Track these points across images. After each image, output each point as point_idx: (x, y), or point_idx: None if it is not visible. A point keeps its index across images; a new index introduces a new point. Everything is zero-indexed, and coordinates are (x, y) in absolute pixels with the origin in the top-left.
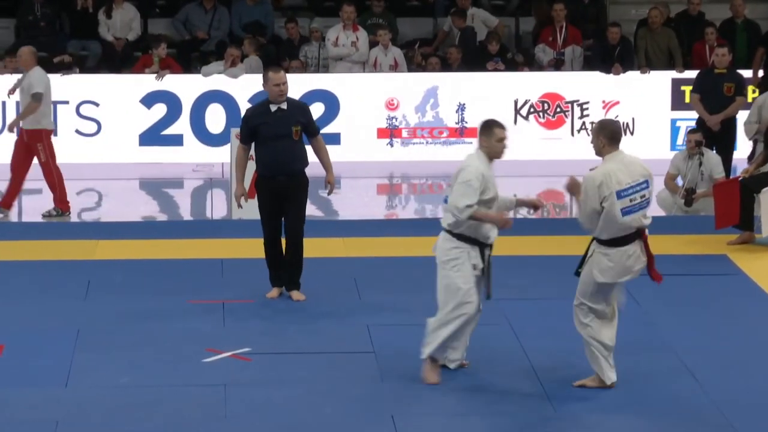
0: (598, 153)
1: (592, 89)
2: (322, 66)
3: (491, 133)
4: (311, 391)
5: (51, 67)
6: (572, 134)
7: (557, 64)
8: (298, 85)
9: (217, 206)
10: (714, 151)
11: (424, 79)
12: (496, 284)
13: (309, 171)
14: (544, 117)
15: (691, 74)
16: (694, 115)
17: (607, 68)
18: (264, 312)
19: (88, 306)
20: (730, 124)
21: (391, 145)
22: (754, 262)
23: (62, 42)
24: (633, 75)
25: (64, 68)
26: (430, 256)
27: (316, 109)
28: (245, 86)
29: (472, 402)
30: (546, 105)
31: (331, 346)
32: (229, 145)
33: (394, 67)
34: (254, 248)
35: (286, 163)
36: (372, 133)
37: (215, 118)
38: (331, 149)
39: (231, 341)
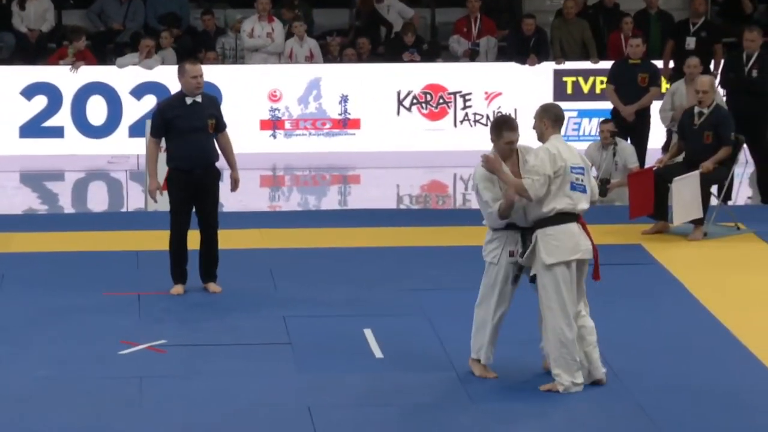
0: (541, 136)
1: (474, 80)
2: (239, 57)
3: (500, 135)
4: (227, 382)
5: None
6: (455, 125)
7: (472, 55)
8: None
9: (133, 198)
10: (628, 142)
11: (307, 71)
12: (412, 275)
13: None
14: (427, 108)
15: (573, 65)
16: (576, 106)
17: (522, 59)
18: (180, 304)
19: (3, 299)
20: (644, 115)
21: (274, 137)
22: (668, 251)
23: None
24: (515, 66)
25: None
26: (345, 247)
27: (149, 102)
28: (126, 78)
29: (388, 393)
30: (429, 96)
31: (247, 337)
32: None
33: (310, 59)
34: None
35: (203, 156)
36: (255, 124)
37: (96, 110)
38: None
39: (147, 333)
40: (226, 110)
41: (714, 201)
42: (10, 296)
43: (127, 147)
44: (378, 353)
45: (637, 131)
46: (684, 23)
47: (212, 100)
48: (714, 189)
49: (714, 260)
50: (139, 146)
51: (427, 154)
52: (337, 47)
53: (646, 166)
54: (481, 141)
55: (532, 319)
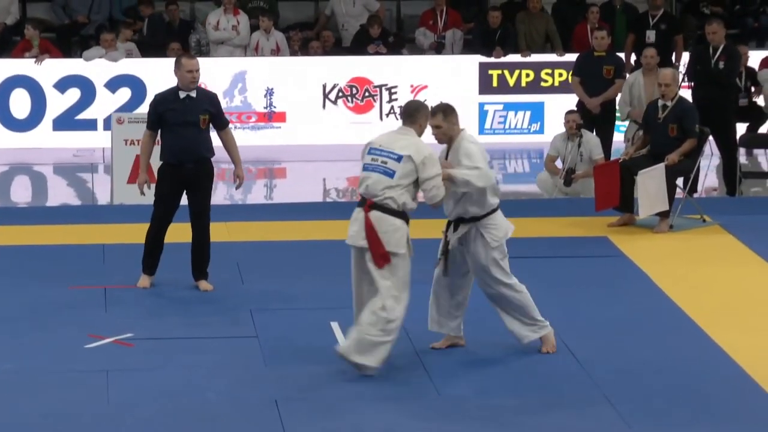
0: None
1: (400, 74)
2: (201, 51)
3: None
4: (194, 376)
5: None
6: (381, 118)
7: (438, 48)
8: (105, 70)
9: (98, 191)
10: (594, 133)
11: (232, 64)
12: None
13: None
14: (352, 101)
15: (514, 59)
16: (501, 99)
17: (488, 52)
18: (146, 297)
19: None
20: (609, 107)
21: None
22: (634, 243)
23: None
24: (441, 59)
25: None
26: (309, 239)
27: (123, 95)
28: (50, 72)
29: (356, 386)
30: (354, 89)
31: (214, 331)
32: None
33: (276, 52)
34: (136, 233)
35: (194, 151)
36: None
37: (20, 104)
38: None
39: (113, 327)
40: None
41: (680, 193)
42: None
43: (51, 141)
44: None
45: (603, 123)
46: (644, 16)
47: (209, 96)
48: (680, 181)
49: (680, 252)
50: (62, 140)
51: (352, 147)
52: (299, 41)
53: (612, 158)
54: None
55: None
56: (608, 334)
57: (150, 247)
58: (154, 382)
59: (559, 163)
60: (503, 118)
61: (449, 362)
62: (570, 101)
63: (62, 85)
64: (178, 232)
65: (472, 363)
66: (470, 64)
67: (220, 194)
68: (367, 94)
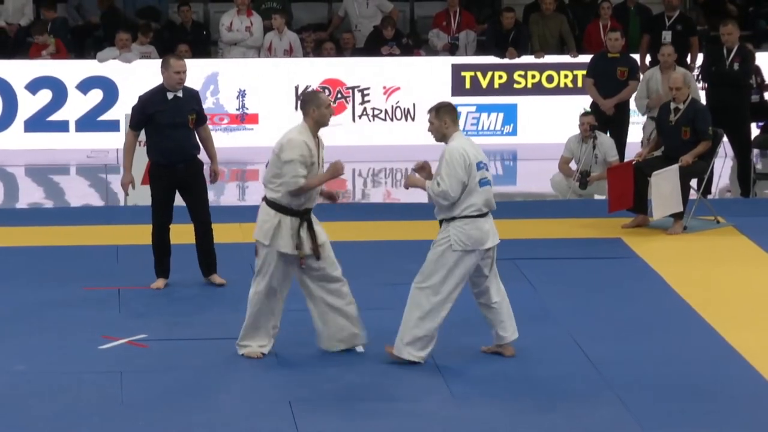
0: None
1: (372, 75)
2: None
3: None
4: (208, 377)
5: None
6: (353, 120)
7: (451, 49)
8: (76, 72)
9: (112, 192)
10: (608, 135)
11: (204, 66)
12: (386, 269)
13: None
14: None
15: (471, 60)
16: (474, 100)
17: (501, 53)
18: (160, 298)
19: None
20: (623, 108)
21: None
22: (648, 245)
23: None
24: (413, 60)
25: None
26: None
27: (95, 97)
28: (24, 73)
29: (368, 387)
30: (327, 91)
31: (227, 331)
32: (121, 131)
33: (289, 52)
34: (149, 234)
35: (184, 151)
36: None
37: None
38: (110, 136)
39: (127, 328)
40: (123, 106)
41: (693, 195)
42: None
43: (22, 142)
44: (359, 347)
45: (617, 125)
46: (659, 17)
47: (193, 94)
48: (693, 182)
49: (693, 254)
50: (34, 141)
51: (325, 149)
52: (312, 43)
53: (626, 159)
54: (380, 135)
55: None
56: (621, 335)
57: (158, 251)
58: (167, 383)
59: (572, 165)
60: (476, 119)
61: (462, 362)
62: (542, 103)
63: (85, 86)
64: (186, 234)
65: (484, 363)
66: (443, 65)
67: (232, 195)
68: (339, 95)
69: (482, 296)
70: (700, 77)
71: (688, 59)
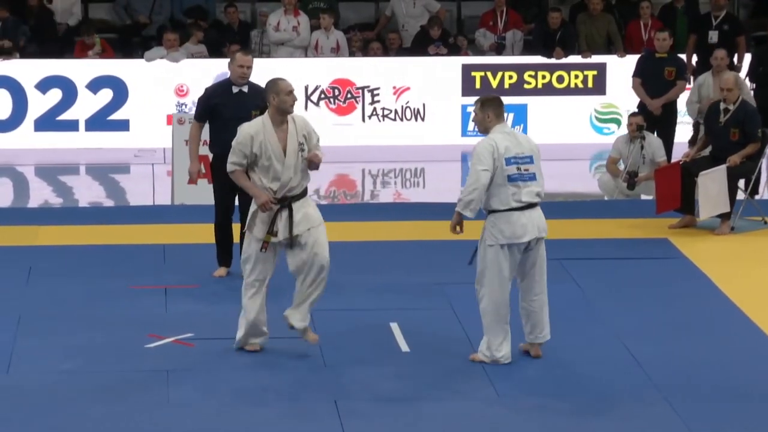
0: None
1: (382, 75)
2: (262, 51)
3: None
4: (254, 376)
5: None
6: (363, 120)
7: (498, 49)
8: (88, 71)
9: (159, 191)
10: (655, 135)
11: (214, 66)
12: (434, 268)
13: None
14: (335, 103)
15: (481, 60)
16: None
17: (548, 53)
18: (206, 297)
19: (30, 292)
20: (671, 108)
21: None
22: (695, 245)
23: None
24: (423, 60)
25: (4, 54)
26: (364, 241)
27: (105, 96)
28: (33, 72)
29: (415, 387)
30: (337, 91)
31: (273, 331)
32: (170, 129)
33: (336, 51)
34: (196, 233)
35: None
36: (161, 119)
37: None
38: (120, 135)
39: (173, 327)
40: (132, 105)
41: (741, 195)
42: (37, 289)
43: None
44: (404, 347)
45: (665, 125)
46: (706, 17)
47: (260, 91)
48: (741, 183)
49: (741, 254)
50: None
51: (335, 149)
52: (359, 42)
53: (673, 159)
54: (390, 136)
55: None
56: (668, 336)
57: (220, 241)
58: (213, 382)
59: (620, 165)
60: None
61: (508, 363)
62: (552, 103)
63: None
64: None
65: (530, 364)
66: (453, 65)
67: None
68: (349, 95)
69: (521, 292)
70: (747, 78)
71: (735, 59)
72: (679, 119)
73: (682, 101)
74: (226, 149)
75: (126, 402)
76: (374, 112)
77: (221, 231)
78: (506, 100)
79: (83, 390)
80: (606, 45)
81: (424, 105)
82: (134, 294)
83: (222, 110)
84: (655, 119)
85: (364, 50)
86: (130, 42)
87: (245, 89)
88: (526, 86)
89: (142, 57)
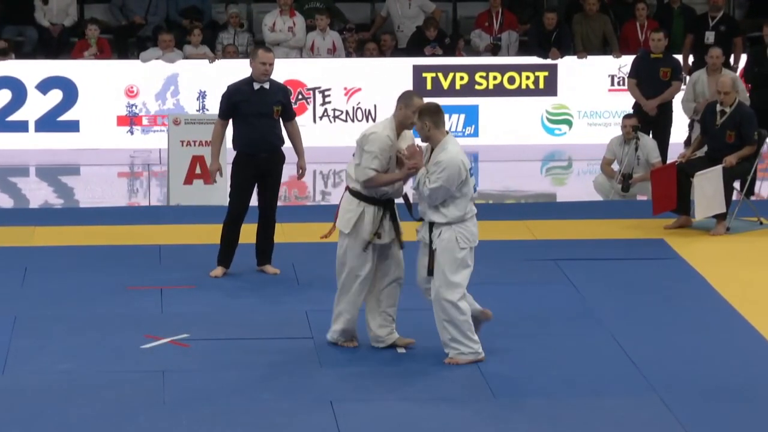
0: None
1: (333, 76)
2: (239, 52)
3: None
4: (250, 377)
5: None
6: (314, 121)
7: (494, 50)
8: (37, 72)
9: (155, 192)
10: (650, 136)
11: (164, 67)
12: None
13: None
14: None
15: (432, 61)
16: (436, 102)
17: (544, 53)
18: (203, 298)
19: (25, 292)
20: (666, 109)
21: (132, 133)
22: (690, 246)
23: None
24: (373, 61)
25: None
26: None
27: (54, 97)
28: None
29: (411, 387)
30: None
31: (269, 332)
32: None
33: (332, 51)
34: (192, 234)
35: (267, 141)
36: (112, 120)
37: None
38: (69, 137)
39: (169, 327)
40: (83, 106)
41: (736, 195)
42: (33, 290)
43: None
44: (400, 348)
45: (660, 125)
46: (703, 17)
47: (281, 88)
48: (736, 184)
49: (736, 255)
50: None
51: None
52: (354, 42)
53: (669, 160)
54: (341, 137)
55: None
56: (664, 337)
57: (227, 239)
58: (209, 383)
59: (615, 166)
60: None
61: (504, 364)
62: (503, 104)
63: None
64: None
65: (526, 365)
66: (404, 66)
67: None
68: (300, 96)
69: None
70: (743, 78)
71: (731, 60)
72: (674, 120)
73: (677, 102)
74: (249, 146)
75: (121, 402)
76: (325, 113)
77: (230, 230)
78: (457, 101)
79: (79, 390)
80: (602, 45)
81: (375, 106)
82: (130, 294)
83: (243, 107)
84: (650, 120)
85: (360, 51)
86: (126, 43)
87: (266, 86)
88: (477, 87)
89: (137, 57)
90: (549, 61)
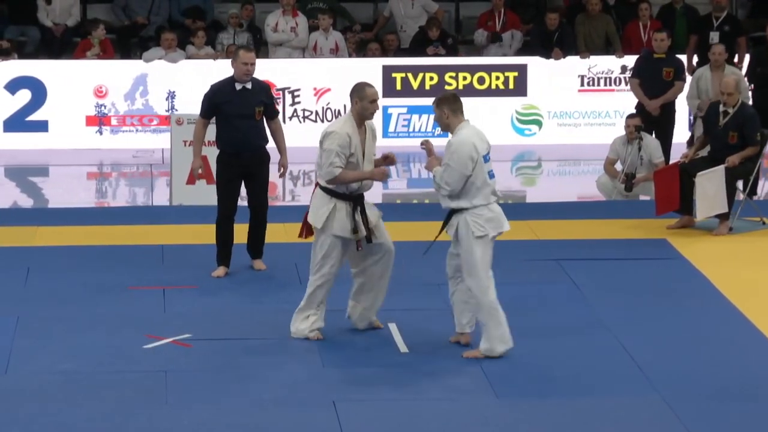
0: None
1: (303, 76)
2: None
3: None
4: (252, 377)
5: None
6: (284, 121)
7: (493, 39)
8: (6, 72)
9: (157, 192)
10: (653, 136)
11: (134, 67)
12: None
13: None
14: None
15: (402, 61)
16: (405, 102)
17: (546, 53)
18: (205, 298)
19: (28, 292)
20: (669, 109)
21: (101, 133)
22: (693, 246)
23: (0, 28)
24: (344, 62)
25: (2, 54)
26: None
27: (23, 97)
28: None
29: (414, 387)
30: None
31: (271, 332)
32: (169, 131)
33: (335, 51)
34: (194, 234)
35: (250, 141)
36: (80, 120)
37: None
38: (38, 137)
39: (172, 327)
40: (51, 106)
41: (739, 196)
42: (35, 290)
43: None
44: (403, 347)
45: (662, 125)
46: (707, 18)
47: (264, 88)
48: (739, 184)
49: (739, 255)
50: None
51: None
52: (355, 44)
53: (672, 160)
54: (311, 137)
55: None
56: (666, 337)
57: (221, 239)
58: (211, 383)
59: (618, 166)
60: (407, 121)
61: (507, 364)
62: (473, 105)
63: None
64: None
65: (528, 365)
66: (373, 67)
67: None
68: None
69: (460, 283)
70: (746, 78)
71: (735, 59)
72: (677, 120)
73: (680, 102)
74: (231, 146)
75: (123, 402)
76: (295, 114)
77: (223, 230)
78: (427, 101)
79: (81, 390)
80: (604, 46)
81: (345, 106)
82: (132, 294)
83: (226, 107)
84: (653, 120)
85: (362, 51)
86: (128, 43)
87: (248, 86)
88: (446, 87)
89: (140, 57)
90: (518, 60)
